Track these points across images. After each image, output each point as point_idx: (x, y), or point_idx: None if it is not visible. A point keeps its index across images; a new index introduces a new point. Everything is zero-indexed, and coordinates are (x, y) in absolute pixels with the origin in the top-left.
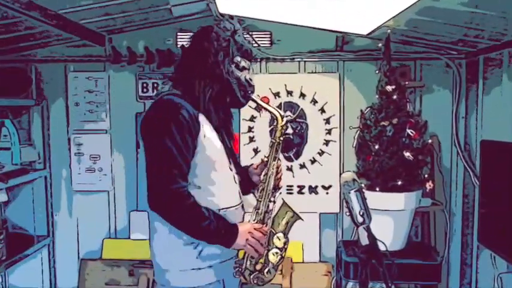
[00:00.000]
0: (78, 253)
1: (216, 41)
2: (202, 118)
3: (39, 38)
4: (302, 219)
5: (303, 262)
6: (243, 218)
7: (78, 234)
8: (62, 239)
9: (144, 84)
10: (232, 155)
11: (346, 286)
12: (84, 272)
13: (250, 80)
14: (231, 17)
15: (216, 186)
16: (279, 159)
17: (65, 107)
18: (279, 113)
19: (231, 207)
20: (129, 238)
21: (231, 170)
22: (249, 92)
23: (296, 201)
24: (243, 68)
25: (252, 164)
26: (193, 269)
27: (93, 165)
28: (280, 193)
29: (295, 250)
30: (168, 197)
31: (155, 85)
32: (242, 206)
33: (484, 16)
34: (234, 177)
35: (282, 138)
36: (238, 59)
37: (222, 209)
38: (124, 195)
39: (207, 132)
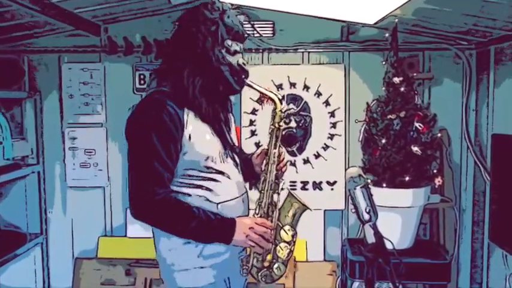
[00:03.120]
0: (73, 252)
1: (203, 25)
2: (187, 115)
3: (32, 27)
4: (310, 209)
5: (306, 261)
6: (248, 209)
7: (72, 232)
8: (55, 237)
9: (142, 76)
10: (232, 144)
11: (351, 286)
12: (78, 272)
13: (244, 64)
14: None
15: (211, 181)
16: (280, 146)
17: (58, 100)
18: (276, 96)
19: (230, 200)
20: (125, 236)
21: (228, 161)
22: (243, 77)
23: (300, 197)
24: (235, 52)
25: (253, 153)
26: (195, 267)
27: (88, 160)
28: (284, 183)
29: (298, 248)
30: (151, 205)
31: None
32: (244, 198)
33: (496, 5)
34: (233, 168)
35: (281, 124)
36: (229, 42)
37: (220, 203)
38: (120, 191)
39: (194, 129)
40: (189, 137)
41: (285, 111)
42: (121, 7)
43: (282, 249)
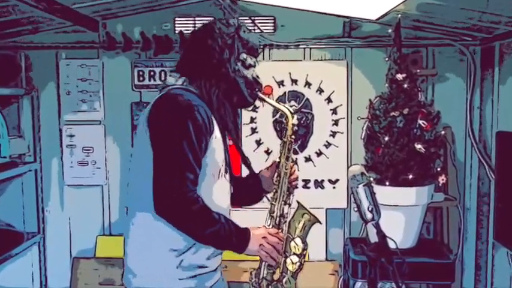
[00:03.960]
0: (70, 251)
1: (220, 38)
2: (213, 119)
3: (28, 23)
4: (320, 222)
5: (308, 260)
6: None
7: (70, 231)
8: (53, 236)
9: (140, 72)
10: (240, 159)
11: (354, 286)
12: (76, 272)
13: (258, 77)
14: (234, 1)
15: (210, 194)
16: (292, 159)
17: (56, 97)
18: (289, 110)
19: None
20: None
21: (226, 177)
22: (257, 90)
23: (301, 196)
24: (249, 66)
25: (261, 170)
26: (173, 279)
27: (86, 158)
28: (294, 195)
29: None
30: (180, 203)
31: (152, 73)
32: (229, 215)
33: (501, 0)
34: (228, 185)
35: (293, 137)
36: (244, 56)
37: None
38: (119, 189)
39: (218, 134)
40: (215, 138)
41: (297, 124)
42: (119, 2)
43: (292, 262)
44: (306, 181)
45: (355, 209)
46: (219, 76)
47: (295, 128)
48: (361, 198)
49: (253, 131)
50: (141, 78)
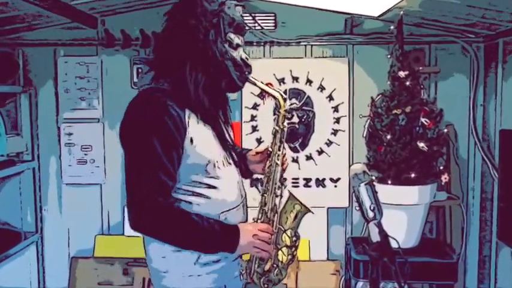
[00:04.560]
0: (69, 251)
1: (204, 16)
2: (189, 116)
3: (26, 20)
4: (312, 212)
5: (309, 260)
6: (247, 216)
7: (68, 230)
8: (51, 235)
9: (140, 70)
10: (230, 146)
11: (355, 286)
12: (75, 271)
13: (247, 58)
14: None
15: (213, 188)
16: (284, 148)
17: (54, 94)
18: (280, 95)
19: (232, 208)
20: (123, 234)
21: (230, 164)
22: (246, 72)
23: (302, 195)
24: (237, 46)
25: (250, 150)
26: (191, 275)
27: (84, 156)
28: (285, 186)
29: (301, 248)
30: (154, 214)
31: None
32: (244, 203)
33: None
34: (235, 171)
35: (285, 124)
36: (232, 35)
37: (223, 212)
38: (118, 188)
39: (195, 131)
40: (191, 140)
41: (289, 110)
42: None
43: (283, 254)
44: (307, 180)
45: (357, 208)
46: (205, 60)
47: (288, 114)
48: (363, 197)
49: (254, 129)
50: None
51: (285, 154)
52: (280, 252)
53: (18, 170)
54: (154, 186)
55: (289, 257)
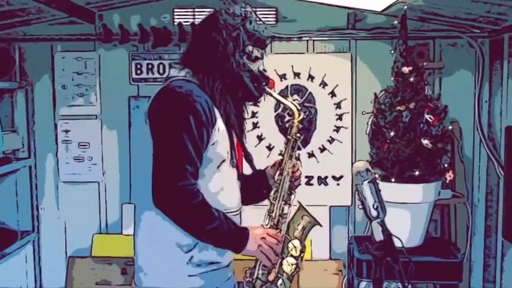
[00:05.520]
0: (66, 250)
1: (225, 30)
2: (217, 111)
3: (23, 14)
4: (321, 225)
5: (311, 260)
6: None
7: (65, 229)
8: (48, 234)
9: (138, 66)
10: (242, 156)
11: (358, 286)
12: (72, 271)
13: (264, 71)
14: None
15: (219, 186)
16: (296, 157)
17: (51, 90)
18: (295, 107)
19: (232, 211)
20: (121, 233)
21: (234, 171)
22: (263, 84)
23: (304, 193)
24: (256, 58)
25: (267, 167)
26: (181, 275)
27: (82, 153)
28: (295, 195)
29: None
30: (177, 194)
31: (150, 66)
32: (240, 213)
33: None
34: (237, 181)
35: (298, 135)
36: (250, 48)
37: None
38: (116, 186)
39: (220, 125)
40: (218, 130)
41: (303, 121)
42: None
43: (288, 265)
44: (309, 178)
45: (360, 207)
46: (223, 70)
47: (301, 125)
48: (366, 195)
49: (255, 125)
50: (138, 72)
51: (297, 164)
52: (285, 262)
53: (14, 168)
54: (181, 170)
55: (294, 267)
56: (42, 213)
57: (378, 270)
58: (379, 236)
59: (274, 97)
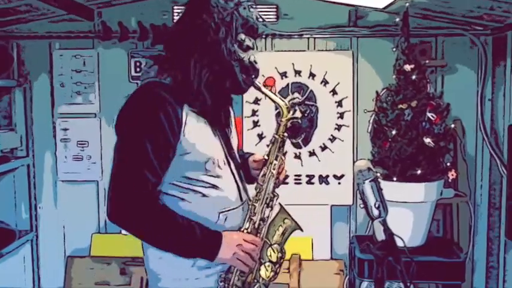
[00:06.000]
0: (65, 249)
1: (217, 14)
2: (186, 113)
3: (21, 12)
4: (301, 230)
5: (312, 259)
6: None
7: (64, 228)
8: (46, 234)
9: (137, 63)
10: (232, 147)
11: (360, 286)
12: (70, 271)
13: (255, 62)
14: None
15: (212, 187)
16: (281, 158)
17: (49, 88)
18: (284, 103)
19: (232, 209)
20: (120, 233)
21: (230, 165)
22: (252, 76)
23: (305, 192)
24: (247, 48)
25: (253, 154)
26: (188, 279)
27: (80, 152)
28: (277, 198)
29: (303, 246)
30: (131, 206)
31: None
32: (245, 206)
33: None
34: (235, 174)
35: (285, 134)
36: (243, 36)
37: (222, 212)
38: None
39: (193, 128)
40: (189, 137)
41: (292, 120)
42: None
43: (266, 270)
44: (310, 177)
45: (361, 206)
46: (212, 57)
47: (290, 124)
48: (368, 194)
49: (255, 124)
50: (138, 70)
51: (283, 165)
52: (263, 267)
53: (12, 167)
54: (136, 181)
55: (272, 273)
56: (41, 212)
57: (380, 270)
58: (380, 236)
59: (262, 91)
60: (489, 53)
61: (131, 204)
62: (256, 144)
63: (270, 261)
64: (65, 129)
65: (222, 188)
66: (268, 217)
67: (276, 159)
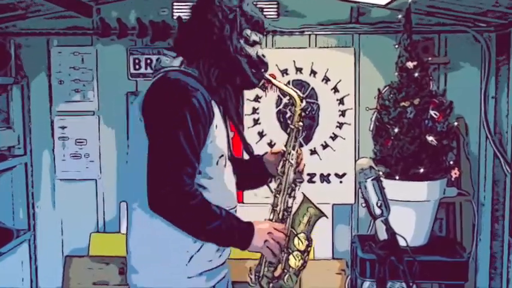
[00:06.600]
0: (63, 249)
1: (221, 11)
2: (215, 105)
3: (18, 8)
4: (326, 217)
5: (313, 259)
6: None
7: (62, 228)
8: (44, 233)
9: (136, 60)
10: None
11: (362, 285)
12: (69, 271)
13: (263, 56)
14: None
15: (216, 183)
16: (299, 147)
17: (47, 86)
18: (297, 94)
19: (231, 209)
20: (119, 232)
21: (230, 165)
22: (262, 70)
23: (306, 191)
24: (254, 43)
25: (266, 153)
26: (181, 277)
27: (79, 150)
28: (299, 188)
29: None
30: (177, 198)
31: (148, 61)
32: (236, 210)
33: None
34: (233, 175)
35: (301, 124)
36: (248, 32)
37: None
38: (113, 184)
39: (219, 121)
40: (216, 127)
41: (305, 109)
42: None
43: (295, 259)
44: (311, 175)
45: (363, 205)
46: (219, 55)
47: (303, 113)
48: (370, 193)
49: (256, 122)
50: (137, 67)
51: (301, 154)
52: (291, 256)
53: (10, 165)
54: (179, 171)
55: (301, 262)
56: (38, 211)
57: (382, 270)
58: (383, 235)
59: (273, 83)
60: (492, 50)
61: (173, 196)
62: (256, 143)
63: (298, 250)
64: (63, 127)
65: (226, 185)
66: (291, 207)
67: (293, 149)
